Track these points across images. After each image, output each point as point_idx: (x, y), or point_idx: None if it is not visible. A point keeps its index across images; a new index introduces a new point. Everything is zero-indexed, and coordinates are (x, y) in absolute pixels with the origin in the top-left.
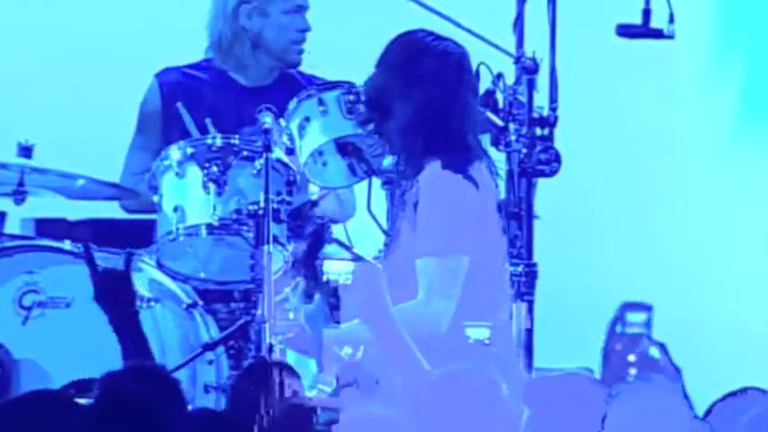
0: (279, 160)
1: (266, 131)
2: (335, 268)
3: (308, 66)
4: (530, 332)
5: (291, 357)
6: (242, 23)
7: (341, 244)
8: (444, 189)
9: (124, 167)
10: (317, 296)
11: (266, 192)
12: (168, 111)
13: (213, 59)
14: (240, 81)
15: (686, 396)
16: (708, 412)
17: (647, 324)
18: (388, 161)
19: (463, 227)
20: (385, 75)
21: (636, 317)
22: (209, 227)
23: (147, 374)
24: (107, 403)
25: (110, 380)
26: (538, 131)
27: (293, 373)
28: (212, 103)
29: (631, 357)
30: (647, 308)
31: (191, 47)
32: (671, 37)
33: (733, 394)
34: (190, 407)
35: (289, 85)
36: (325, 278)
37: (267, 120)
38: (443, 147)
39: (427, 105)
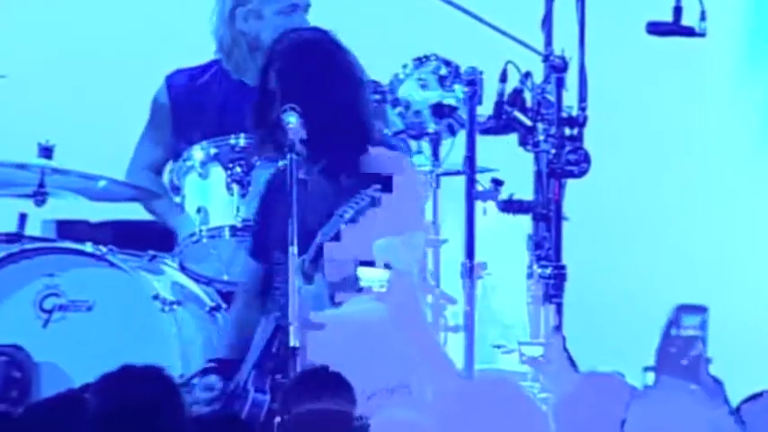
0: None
1: (290, 132)
2: (370, 275)
3: None
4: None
5: None
6: (239, 27)
7: None
8: None
9: (131, 161)
10: (317, 276)
11: (290, 192)
12: (176, 112)
13: (221, 61)
14: (246, 82)
15: (728, 405)
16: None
17: (702, 326)
18: (414, 161)
19: None
20: None
21: (691, 319)
22: (233, 228)
23: (144, 376)
24: (105, 405)
25: (107, 381)
26: (567, 131)
27: (341, 382)
28: (220, 104)
29: (684, 361)
30: (702, 310)
31: (208, 48)
32: (702, 35)
33: (759, 395)
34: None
35: None
36: (359, 285)
37: (291, 119)
38: None
39: None
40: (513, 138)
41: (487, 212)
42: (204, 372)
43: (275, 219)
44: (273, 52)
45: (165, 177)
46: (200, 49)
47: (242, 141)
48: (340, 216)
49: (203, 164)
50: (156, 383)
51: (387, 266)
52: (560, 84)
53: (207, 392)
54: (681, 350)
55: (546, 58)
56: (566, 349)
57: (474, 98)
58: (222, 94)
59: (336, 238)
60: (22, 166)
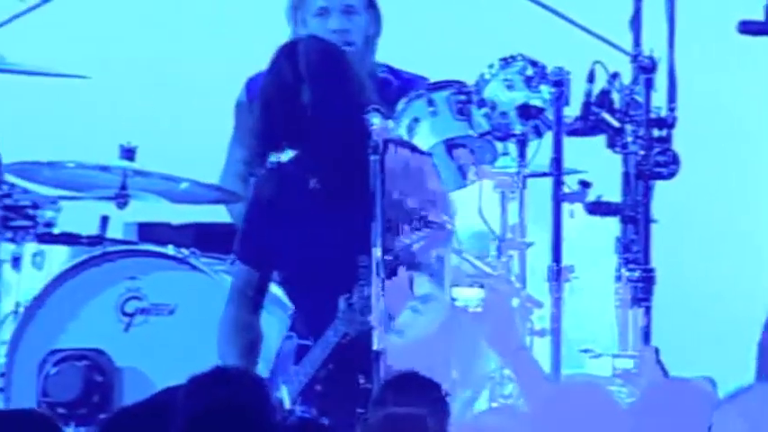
0: None
1: (374, 133)
2: (465, 295)
3: (412, 65)
4: (646, 338)
5: None
6: (297, 32)
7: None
8: None
9: (224, 169)
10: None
11: (376, 194)
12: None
13: None
14: None
15: None
16: None
17: None
18: (500, 163)
19: None
20: None
21: None
22: None
23: (234, 379)
24: (195, 408)
25: (196, 385)
26: (655, 133)
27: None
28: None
29: None
30: None
31: None
32: None
33: None
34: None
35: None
36: (455, 305)
37: (375, 120)
38: None
39: None
40: (600, 139)
41: (575, 215)
42: None
43: (272, 220)
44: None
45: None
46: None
47: None
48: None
49: None
50: (247, 386)
51: (481, 286)
52: (649, 84)
53: None
54: None
55: (634, 59)
56: (659, 362)
57: (561, 99)
58: None
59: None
60: (104, 168)
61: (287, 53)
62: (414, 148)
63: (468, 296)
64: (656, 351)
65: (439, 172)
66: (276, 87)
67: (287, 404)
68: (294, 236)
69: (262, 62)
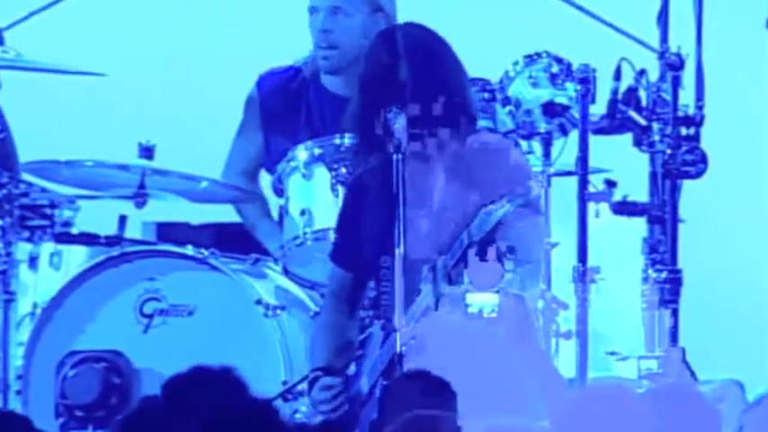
0: None
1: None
2: (479, 300)
3: None
4: (674, 341)
5: None
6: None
7: None
8: None
9: (226, 164)
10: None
11: (398, 194)
12: (266, 113)
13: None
14: (326, 86)
15: None
16: None
17: None
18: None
19: None
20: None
21: None
22: None
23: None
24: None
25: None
26: (683, 131)
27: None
28: (309, 105)
29: None
30: None
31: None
32: None
33: None
34: None
35: None
36: (469, 311)
37: (399, 120)
38: None
39: None
40: (627, 138)
41: (600, 214)
42: (313, 380)
43: (364, 222)
44: (402, 47)
45: (265, 180)
46: (297, 49)
47: (347, 141)
48: (487, 215)
49: (307, 164)
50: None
51: (497, 291)
52: (676, 82)
53: (325, 392)
54: None
55: (662, 56)
56: (686, 362)
57: (587, 97)
58: (312, 96)
59: (486, 239)
60: (122, 167)
61: (384, 38)
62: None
63: (482, 301)
64: (683, 351)
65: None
66: (373, 68)
67: (365, 389)
68: (383, 234)
69: (278, 60)
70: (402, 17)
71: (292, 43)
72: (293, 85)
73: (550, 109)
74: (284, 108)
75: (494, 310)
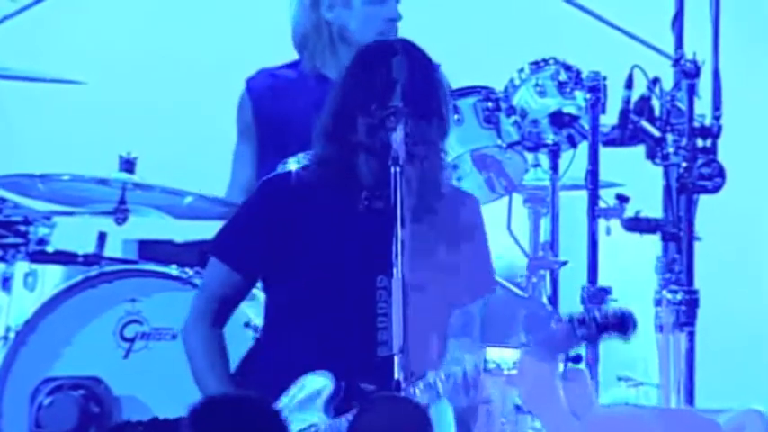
0: None
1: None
2: (498, 356)
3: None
4: (690, 366)
5: None
6: (324, 16)
7: None
8: None
9: (230, 181)
10: None
11: (395, 205)
12: (260, 116)
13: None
14: (324, 73)
15: None
16: None
17: None
18: (531, 176)
19: None
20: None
21: None
22: None
23: (244, 406)
24: None
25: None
26: (699, 143)
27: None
28: (306, 101)
29: None
30: None
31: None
32: None
33: None
34: None
35: None
36: (488, 366)
37: (397, 132)
38: None
39: None
40: (639, 150)
41: (611, 231)
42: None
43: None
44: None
45: None
46: (287, 53)
47: None
48: None
49: None
50: (258, 414)
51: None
52: (692, 90)
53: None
54: None
55: (676, 63)
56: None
57: (597, 106)
58: (307, 92)
59: None
60: (101, 181)
61: (387, 49)
62: None
63: (502, 358)
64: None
65: None
66: (374, 74)
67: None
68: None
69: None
70: (404, 20)
71: (275, 50)
72: (290, 81)
73: (558, 119)
74: (282, 108)
75: (514, 367)
